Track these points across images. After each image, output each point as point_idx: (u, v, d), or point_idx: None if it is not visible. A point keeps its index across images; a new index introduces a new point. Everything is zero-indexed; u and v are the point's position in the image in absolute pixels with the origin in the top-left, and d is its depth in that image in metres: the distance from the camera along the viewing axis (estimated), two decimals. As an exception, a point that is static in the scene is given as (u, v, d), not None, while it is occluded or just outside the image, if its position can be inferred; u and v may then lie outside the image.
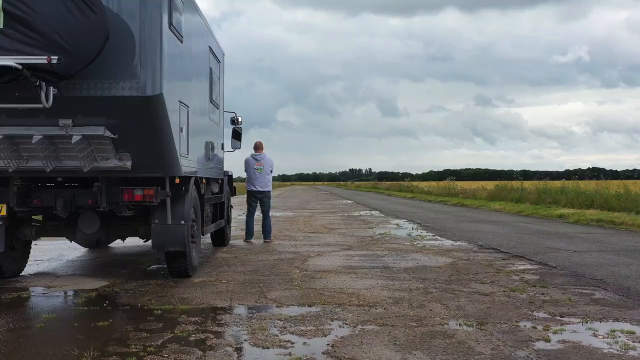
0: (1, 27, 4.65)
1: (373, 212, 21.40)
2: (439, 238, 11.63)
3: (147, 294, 5.91)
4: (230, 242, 10.63)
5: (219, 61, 8.96)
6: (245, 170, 11.07)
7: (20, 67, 4.64)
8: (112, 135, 5.45)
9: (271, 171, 11.16)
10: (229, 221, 10.44)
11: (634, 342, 4.19)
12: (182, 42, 6.15)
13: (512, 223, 15.62)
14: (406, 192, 46.31)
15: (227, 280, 6.75)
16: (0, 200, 5.97)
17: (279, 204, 26.78)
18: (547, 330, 4.50)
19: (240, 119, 10.83)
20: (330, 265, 7.88)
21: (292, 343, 4.12)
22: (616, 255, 8.80)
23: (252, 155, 11.04)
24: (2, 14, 4.64)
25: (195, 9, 7.03)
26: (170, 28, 5.65)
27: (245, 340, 4.29)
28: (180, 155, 6.09)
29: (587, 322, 4.75)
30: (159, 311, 5.16)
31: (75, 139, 5.36)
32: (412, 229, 14.03)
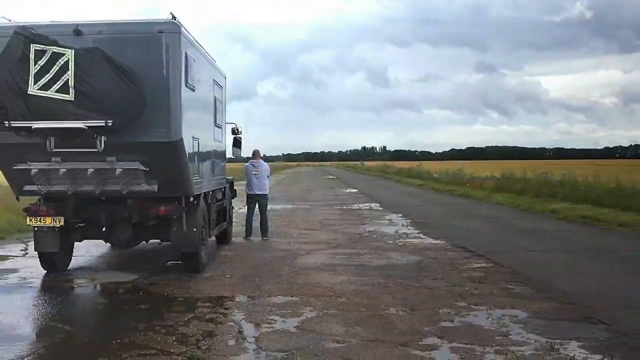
0: (72, 99, 7.30)
1: (372, 205, 24.04)
2: (422, 236, 14.26)
3: (170, 286, 8.60)
4: (232, 239, 13.33)
5: (221, 87, 11.56)
6: (245, 176, 13.73)
7: (86, 127, 7.31)
8: (144, 169, 8.10)
9: (268, 176, 13.81)
10: (230, 222, 13.12)
11: (511, 322, 6.80)
12: (194, 91, 8.76)
13: (503, 219, 18.20)
14: (416, 178, 48.82)
15: (230, 275, 9.43)
16: (59, 214, 8.67)
17: (279, 196, 29.43)
18: (457, 315, 7.12)
19: (240, 129, 13.44)
20: (315, 263, 10.55)
21: (275, 321, 6.78)
22: (569, 255, 11.37)
23: (250, 162, 13.68)
24: (73, 90, 7.28)
25: (201, 55, 9.61)
26: (186, 86, 8.26)
27: (243, 319, 6.97)
28: (193, 179, 8.74)
29: (490, 310, 7.36)
30: (181, 298, 7.86)
31: (118, 171, 8.03)
32: (402, 225, 16.67)
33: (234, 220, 14.12)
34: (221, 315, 7.12)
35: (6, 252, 12.00)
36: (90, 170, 8.07)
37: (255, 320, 6.86)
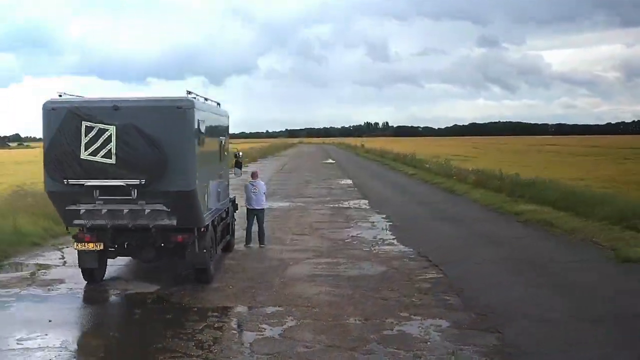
0: (114, 163, 9.89)
1: (361, 203, 26.72)
2: (395, 242, 16.91)
3: (186, 296, 11.24)
4: (235, 246, 15.96)
5: (225, 125, 14.11)
6: (245, 193, 16.34)
7: (125, 185, 9.92)
8: (167, 209, 10.70)
9: (264, 193, 16.41)
10: (233, 234, 15.75)
11: (434, 331, 9.41)
12: (203, 147, 11.31)
13: (471, 222, 20.79)
14: (410, 166, 51.48)
15: (232, 286, 12.07)
16: (99, 241, 11.29)
17: (279, 190, 32.11)
18: (398, 324, 9.74)
19: (240, 154, 16.05)
20: (301, 273, 13.19)
21: (264, 329, 9.44)
22: (508, 266, 13.95)
23: (250, 182, 16.27)
24: (114, 156, 9.87)
25: (210, 112, 12.14)
26: (198, 145, 10.81)
27: (241, 327, 9.63)
28: (204, 214, 11.34)
29: (423, 320, 9.97)
30: (196, 309, 10.51)
31: (146, 211, 10.64)
32: (382, 229, 19.32)
33: (236, 223, 16.66)
34: (226, 324, 9.79)
35: (47, 260, 14.67)
36: (125, 210, 10.68)
37: (251, 329, 9.52)
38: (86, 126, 9.99)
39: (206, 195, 11.64)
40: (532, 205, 23.43)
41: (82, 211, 10.77)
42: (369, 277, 12.87)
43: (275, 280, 12.62)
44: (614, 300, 11.10)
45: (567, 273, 13.26)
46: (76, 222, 11.14)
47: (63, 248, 15.78)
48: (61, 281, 12.53)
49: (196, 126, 10.70)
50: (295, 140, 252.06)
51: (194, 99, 10.76)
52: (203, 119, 11.29)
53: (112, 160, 10.00)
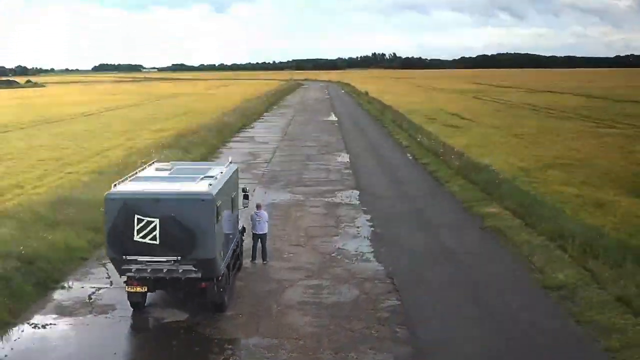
0: (158, 244, 13.99)
1: (352, 195, 30.89)
2: (370, 259, 21.03)
3: (209, 326, 15.44)
4: (243, 262, 20.15)
5: (236, 182, 18.04)
6: (250, 222, 20.42)
7: (165, 260, 14.10)
8: (194, 269, 14.84)
9: (267, 221, 20.49)
10: (241, 254, 19.87)
11: (381, 365, 13.69)
12: (221, 223, 15.34)
13: (439, 228, 24.85)
14: (405, 133, 55.22)
15: (241, 314, 16.29)
16: (144, 285, 15.48)
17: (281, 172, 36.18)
18: (356, 357, 13.98)
19: (247, 189, 20.05)
20: (293, 300, 17.36)
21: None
22: (453, 292, 18.11)
23: (255, 213, 20.30)
24: (158, 239, 13.96)
25: (224, 194, 16.13)
26: (216, 222, 14.85)
27: (246, 357, 13.95)
28: (221, 266, 15.51)
29: (374, 354, 14.17)
30: (216, 340, 14.77)
31: (180, 270, 14.81)
32: (364, 238, 23.47)
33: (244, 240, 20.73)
34: (236, 353, 14.10)
35: (98, 281, 18.80)
36: (164, 270, 14.86)
37: (252, 357, 13.82)
38: (137, 218, 14.02)
39: (222, 252, 15.74)
40: (497, 207, 27.37)
41: (133, 269, 14.94)
42: (344, 304, 17.05)
43: (273, 306, 16.80)
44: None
45: (504, 305, 17.27)
46: (128, 274, 15.31)
47: (106, 264, 19.94)
48: (113, 308, 16.74)
49: (215, 210, 14.69)
50: (302, 77, 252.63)
51: (212, 193, 14.72)
52: (220, 200, 15.24)
53: (157, 242, 14.10)
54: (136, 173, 17.07)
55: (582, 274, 18.53)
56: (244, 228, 20.25)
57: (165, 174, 17.06)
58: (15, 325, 15.39)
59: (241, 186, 20.17)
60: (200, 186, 15.13)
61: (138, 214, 14.05)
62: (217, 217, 14.95)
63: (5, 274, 17.13)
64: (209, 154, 43.65)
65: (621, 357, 13.66)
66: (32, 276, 17.87)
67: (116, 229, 14.31)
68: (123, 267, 14.99)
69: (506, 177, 31.36)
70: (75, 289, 18.17)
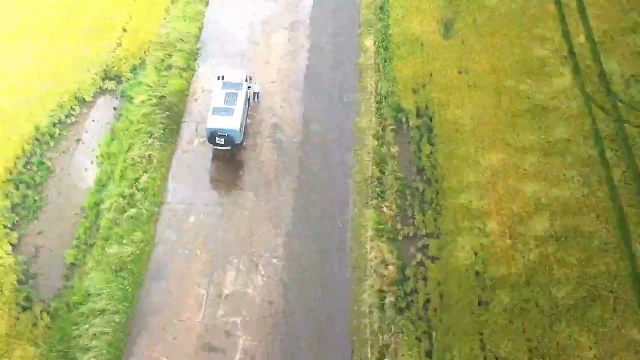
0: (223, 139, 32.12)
1: None
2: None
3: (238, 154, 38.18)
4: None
5: (249, 92, 36.65)
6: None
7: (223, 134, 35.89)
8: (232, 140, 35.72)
9: (259, 87, 43.64)
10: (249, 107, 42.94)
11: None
12: (242, 121, 38.37)
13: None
14: None
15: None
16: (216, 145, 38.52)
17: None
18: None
19: (259, 92, 37.19)
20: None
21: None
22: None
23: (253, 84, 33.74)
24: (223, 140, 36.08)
25: (243, 108, 33.42)
26: (239, 129, 34.40)
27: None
28: (241, 136, 40.37)
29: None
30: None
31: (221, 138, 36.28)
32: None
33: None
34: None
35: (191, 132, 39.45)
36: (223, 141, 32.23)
37: None
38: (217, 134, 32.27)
39: (241, 127, 31.90)
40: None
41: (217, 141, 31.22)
42: None
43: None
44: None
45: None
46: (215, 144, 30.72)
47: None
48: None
49: (239, 129, 30.54)
50: None
51: (237, 127, 30.59)
52: (241, 118, 30.95)
53: (222, 141, 31.30)
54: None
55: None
56: (257, 94, 33.19)
57: (222, 101, 30.53)
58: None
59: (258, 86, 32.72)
60: (235, 121, 30.60)
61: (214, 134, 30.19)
62: (240, 128, 30.67)
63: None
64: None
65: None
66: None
67: (209, 135, 30.38)
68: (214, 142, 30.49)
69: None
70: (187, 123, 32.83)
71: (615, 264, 26.05)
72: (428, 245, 27.05)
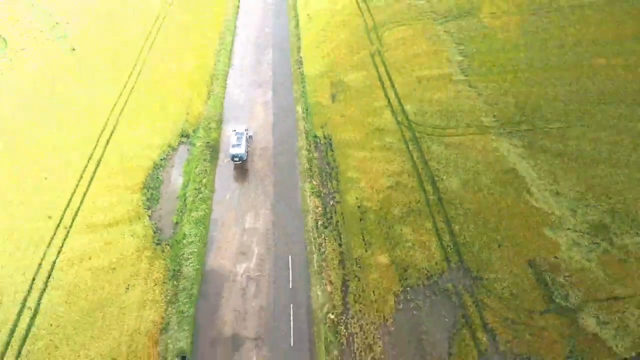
0: (238, 158, 72.35)
1: None
2: None
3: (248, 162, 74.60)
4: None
5: (247, 137, 75.67)
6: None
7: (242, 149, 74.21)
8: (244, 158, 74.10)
9: (249, 138, 78.28)
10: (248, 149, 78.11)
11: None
12: (245, 149, 74.13)
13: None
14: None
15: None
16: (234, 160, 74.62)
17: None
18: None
19: (252, 136, 77.73)
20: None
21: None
22: None
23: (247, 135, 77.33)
24: (237, 157, 72.46)
25: (244, 142, 71.50)
26: (245, 152, 73.71)
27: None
28: (246, 153, 75.59)
29: None
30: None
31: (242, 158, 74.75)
32: None
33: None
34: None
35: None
36: (238, 159, 73.13)
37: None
38: (233, 156, 71.44)
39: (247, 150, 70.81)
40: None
41: (233, 157, 69.49)
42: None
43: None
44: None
45: None
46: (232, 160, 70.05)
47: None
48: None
49: (244, 155, 70.06)
50: None
51: (243, 152, 68.81)
52: (244, 147, 71.96)
53: (237, 158, 72.27)
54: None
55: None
56: (251, 136, 72.41)
57: (235, 140, 68.32)
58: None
59: (250, 133, 72.05)
60: (242, 149, 68.30)
61: (233, 157, 69.29)
62: (245, 152, 70.40)
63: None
64: None
65: None
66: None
67: (231, 157, 67.87)
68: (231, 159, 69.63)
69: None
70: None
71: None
72: (335, 197, 61.01)
